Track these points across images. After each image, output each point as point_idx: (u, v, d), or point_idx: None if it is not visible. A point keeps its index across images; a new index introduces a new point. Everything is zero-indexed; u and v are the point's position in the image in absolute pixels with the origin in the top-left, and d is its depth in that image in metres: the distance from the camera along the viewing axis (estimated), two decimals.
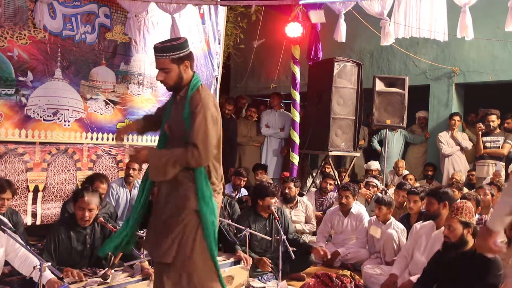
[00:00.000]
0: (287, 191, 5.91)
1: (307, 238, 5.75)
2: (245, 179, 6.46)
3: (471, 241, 3.37)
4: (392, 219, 5.04)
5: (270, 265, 4.50)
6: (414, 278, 3.90)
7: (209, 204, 2.82)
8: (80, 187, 4.97)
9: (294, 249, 4.36)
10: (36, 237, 4.92)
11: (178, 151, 2.77)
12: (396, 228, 4.90)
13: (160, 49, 2.86)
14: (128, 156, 2.82)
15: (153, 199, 3.03)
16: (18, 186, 5.16)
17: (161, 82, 2.93)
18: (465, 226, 3.35)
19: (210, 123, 2.78)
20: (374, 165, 7.58)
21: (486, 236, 2.39)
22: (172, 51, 2.85)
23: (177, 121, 2.88)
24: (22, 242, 3.23)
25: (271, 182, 5.08)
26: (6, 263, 3.52)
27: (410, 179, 6.86)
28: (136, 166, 5.55)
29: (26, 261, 3.35)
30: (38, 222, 5.33)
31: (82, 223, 3.80)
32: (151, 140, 6.36)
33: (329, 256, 4.95)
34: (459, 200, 3.75)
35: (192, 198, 2.81)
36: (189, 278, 2.81)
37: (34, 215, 5.33)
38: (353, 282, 4.34)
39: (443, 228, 4.02)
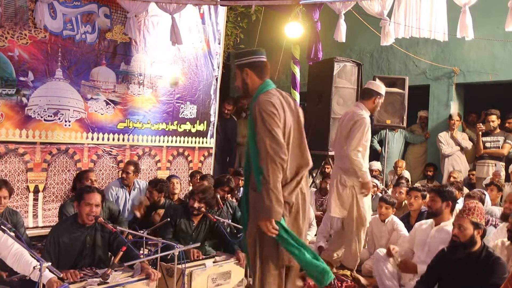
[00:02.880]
0: None
1: (308, 237, 5.74)
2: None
3: (479, 242, 3.36)
4: (392, 216, 5.07)
5: None
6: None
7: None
8: (74, 186, 4.98)
9: None
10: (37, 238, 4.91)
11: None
12: (400, 227, 4.95)
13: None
14: None
15: None
16: (18, 186, 5.17)
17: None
18: (476, 227, 3.33)
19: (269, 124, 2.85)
20: (376, 165, 7.56)
21: None
22: (235, 58, 3.18)
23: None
24: (21, 242, 3.22)
25: None
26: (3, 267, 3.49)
27: (406, 180, 6.83)
28: (131, 169, 5.54)
29: (20, 259, 3.27)
30: (40, 224, 5.33)
31: (88, 220, 3.79)
32: (151, 140, 6.38)
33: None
34: (471, 200, 3.72)
35: None
36: None
37: (35, 216, 5.34)
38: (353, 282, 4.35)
39: (442, 224, 4.04)
